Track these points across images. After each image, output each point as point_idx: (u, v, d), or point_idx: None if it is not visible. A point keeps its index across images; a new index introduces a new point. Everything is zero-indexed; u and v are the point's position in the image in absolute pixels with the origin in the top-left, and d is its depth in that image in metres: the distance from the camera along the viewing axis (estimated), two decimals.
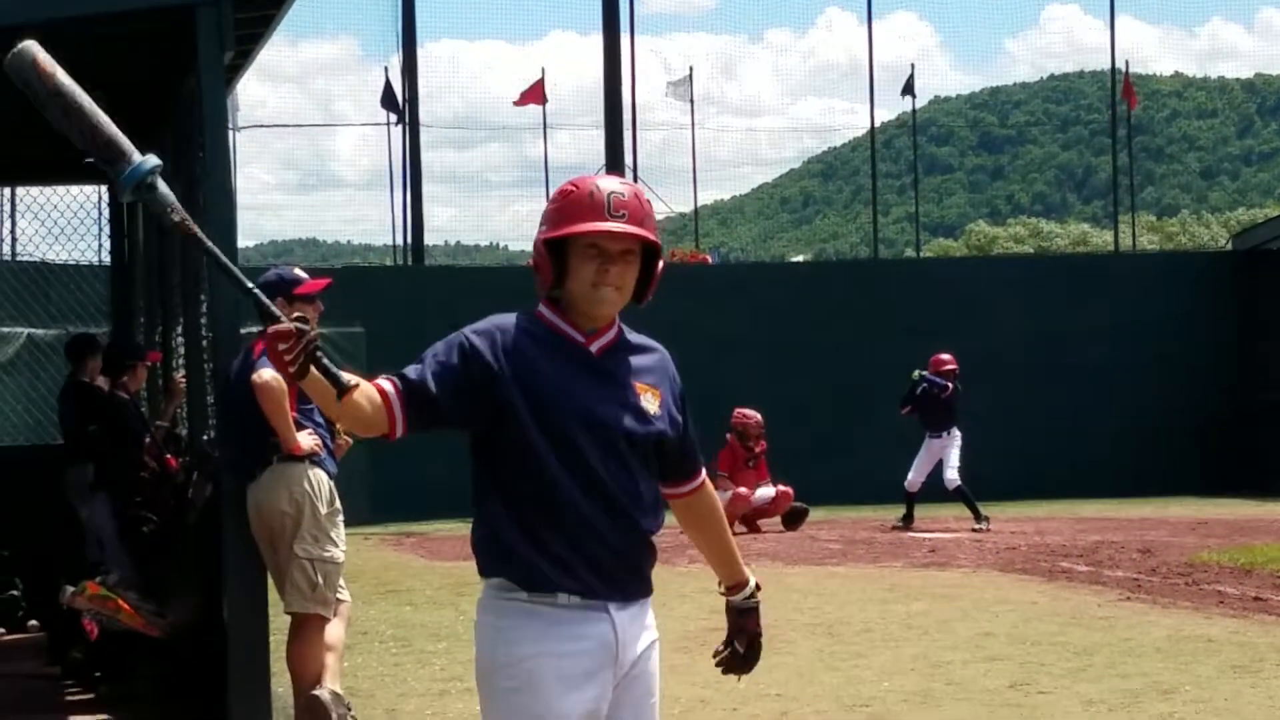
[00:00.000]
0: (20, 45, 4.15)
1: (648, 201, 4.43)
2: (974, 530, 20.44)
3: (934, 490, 21.25)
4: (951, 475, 21.06)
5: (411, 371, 4.24)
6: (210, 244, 4.23)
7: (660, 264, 4.47)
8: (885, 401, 24.11)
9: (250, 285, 4.24)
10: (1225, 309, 26.47)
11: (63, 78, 4.19)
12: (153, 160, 4.21)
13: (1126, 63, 34.86)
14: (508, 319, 4.34)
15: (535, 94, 32.70)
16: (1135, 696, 9.69)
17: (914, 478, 21.41)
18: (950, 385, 21.18)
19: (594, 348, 4.39)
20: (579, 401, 4.28)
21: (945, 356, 21.33)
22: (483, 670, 4.29)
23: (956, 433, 21.29)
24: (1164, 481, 25.04)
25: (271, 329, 4.10)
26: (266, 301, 4.18)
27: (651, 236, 4.36)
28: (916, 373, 21.32)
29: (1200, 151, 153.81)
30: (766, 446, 21.76)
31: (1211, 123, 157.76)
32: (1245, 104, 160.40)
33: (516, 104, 33.22)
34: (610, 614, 4.28)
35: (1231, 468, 25.57)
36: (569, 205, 4.33)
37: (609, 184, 4.38)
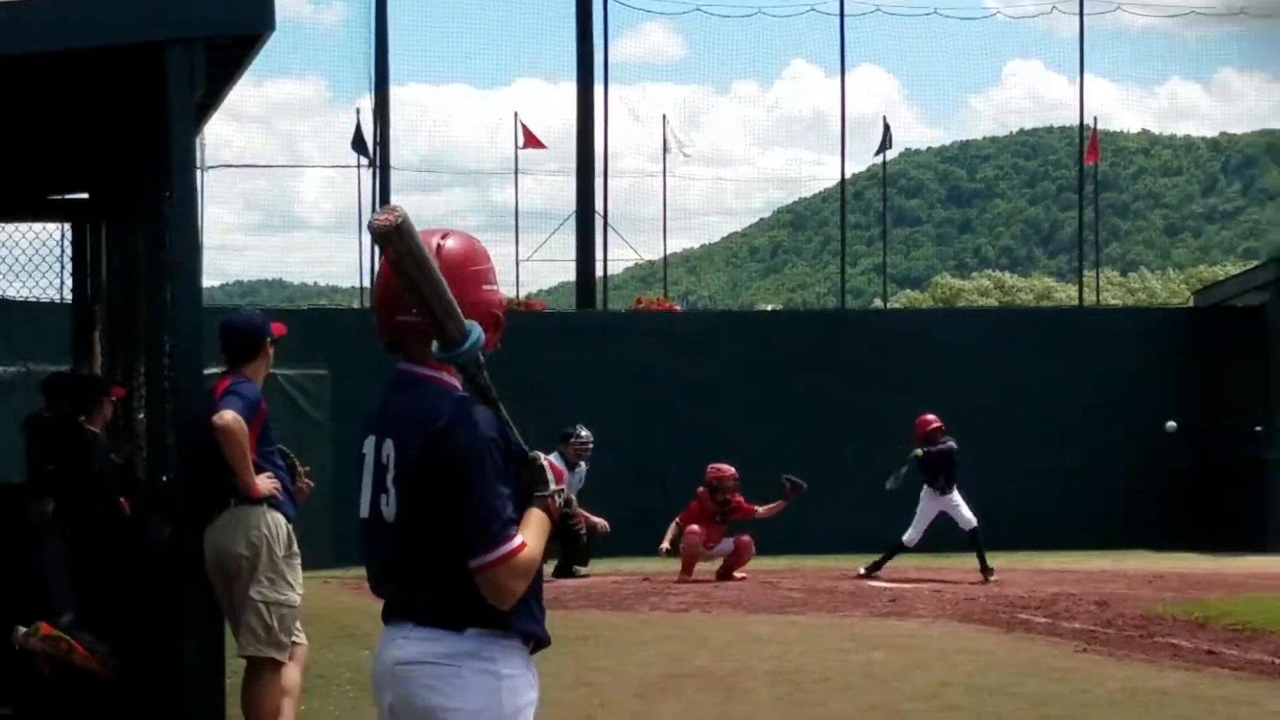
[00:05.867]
0: (392, 216, 4.22)
1: None
2: (985, 583, 20.42)
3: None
4: (970, 515, 21.10)
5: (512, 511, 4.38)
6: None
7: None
8: (852, 451, 24.15)
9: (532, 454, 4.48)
10: (1187, 365, 26.55)
11: (421, 249, 4.25)
12: (478, 328, 4.33)
13: (1095, 119, 35.01)
14: (486, 414, 4.40)
15: (533, 140, 32.77)
16: None
17: (914, 535, 21.17)
18: (951, 443, 21.16)
19: None
20: None
21: (930, 417, 21.30)
22: None
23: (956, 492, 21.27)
24: (1122, 535, 25.10)
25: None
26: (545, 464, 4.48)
27: None
28: (917, 451, 21.13)
29: (1165, 209, 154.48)
30: (741, 503, 21.63)
31: (1176, 180, 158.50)
32: (1210, 162, 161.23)
33: (524, 147, 33.19)
34: None
35: (1189, 522, 25.62)
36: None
37: None
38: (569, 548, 4.46)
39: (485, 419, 4.34)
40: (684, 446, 23.43)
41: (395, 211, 4.21)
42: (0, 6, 8.36)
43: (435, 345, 4.31)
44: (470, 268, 4.47)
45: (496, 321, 4.50)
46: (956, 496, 21.20)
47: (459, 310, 4.27)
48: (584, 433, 21.37)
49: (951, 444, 21.16)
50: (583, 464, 21.48)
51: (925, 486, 21.35)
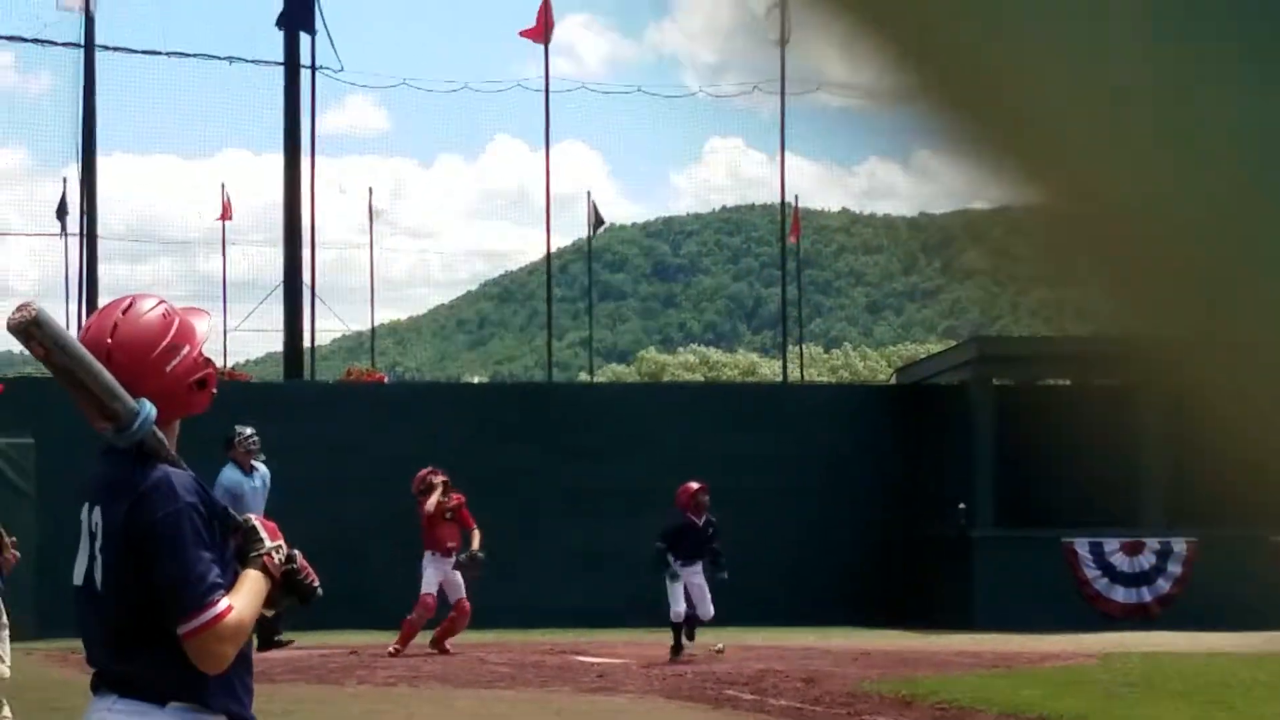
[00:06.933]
0: (26, 311, 4.25)
1: None
2: (719, 651, 20.57)
3: (602, 615, 21.35)
4: (709, 607, 20.82)
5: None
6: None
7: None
8: (557, 525, 24.32)
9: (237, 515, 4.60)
10: (888, 441, 27.02)
11: (66, 338, 4.30)
12: (149, 405, 4.36)
13: (796, 197, 35.87)
14: (185, 479, 4.48)
15: (226, 210, 32.61)
16: None
17: (681, 609, 20.58)
18: (706, 517, 20.98)
19: None
20: None
21: (694, 485, 21.13)
22: None
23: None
24: (828, 612, 25.30)
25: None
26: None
27: None
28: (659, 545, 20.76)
29: (867, 286, 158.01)
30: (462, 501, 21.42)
31: (877, 258, 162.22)
32: (909, 240, 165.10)
33: (220, 219, 33.01)
34: None
35: (895, 599, 25.96)
36: (181, 315, 4.65)
37: None
38: (304, 599, 4.52)
39: (184, 484, 4.41)
40: (391, 519, 23.38)
41: (29, 307, 4.29)
42: None
43: (108, 428, 4.38)
44: (152, 348, 4.50)
45: (194, 385, 4.55)
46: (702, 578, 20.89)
47: (122, 391, 4.33)
48: (246, 430, 20.59)
49: (706, 516, 20.97)
50: (260, 466, 20.82)
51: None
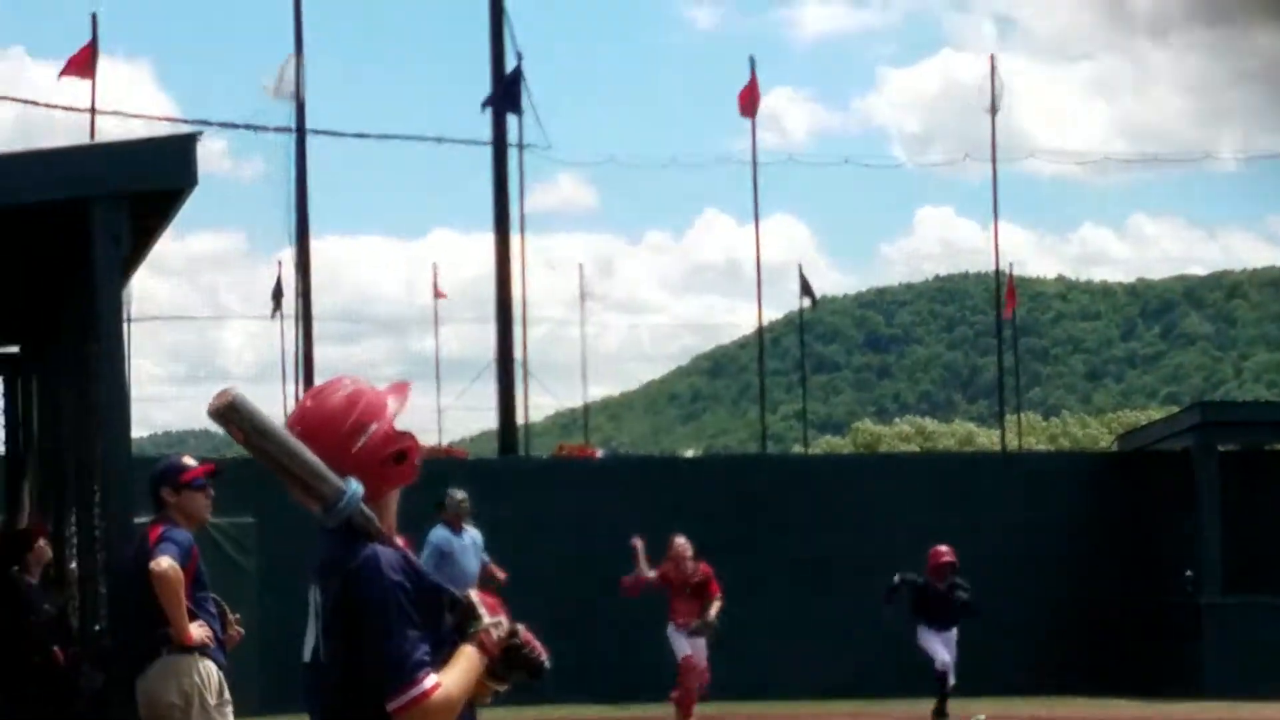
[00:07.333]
0: (224, 396, 4.32)
1: None
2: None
3: (825, 685, 21.08)
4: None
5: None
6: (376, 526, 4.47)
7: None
8: (774, 597, 24.14)
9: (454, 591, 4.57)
10: (1113, 508, 26.59)
11: (264, 421, 4.36)
12: (354, 484, 4.41)
13: (1010, 265, 35.49)
14: (394, 557, 4.48)
15: (438, 290, 33.09)
16: None
17: (945, 658, 20.64)
18: (951, 580, 20.74)
19: None
20: None
21: (942, 549, 20.96)
22: None
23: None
24: (1053, 681, 24.99)
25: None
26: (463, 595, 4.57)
27: None
28: (915, 577, 20.78)
29: (1085, 353, 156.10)
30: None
31: (1095, 325, 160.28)
32: (1128, 307, 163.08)
33: (431, 298, 33.51)
34: None
35: (1122, 667, 25.53)
36: (368, 391, 4.62)
37: None
38: (532, 673, 4.53)
39: (391, 562, 4.40)
40: (606, 592, 23.38)
41: (227, 393, 4.33)
42: None
43: (317, 508, 4.42)
44: (338, 429, 4.51)
45: (390, 459, 4.53)
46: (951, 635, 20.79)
47: (327, 471, 4.37)
48: (458, 494, 20.59)
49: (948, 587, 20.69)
50: (471, 527, 20.73)
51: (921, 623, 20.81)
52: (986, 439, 70.79)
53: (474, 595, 4.59)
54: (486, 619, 4.53)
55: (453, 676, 4.40)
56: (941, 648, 20.60)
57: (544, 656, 4.60)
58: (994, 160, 32.28)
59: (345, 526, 4.43)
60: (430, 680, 4.32)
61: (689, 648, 20.46)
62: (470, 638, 4.49)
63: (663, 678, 21.04)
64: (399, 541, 4.54)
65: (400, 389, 4.72)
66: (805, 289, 34.40)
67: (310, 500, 4.41)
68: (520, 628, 4.60)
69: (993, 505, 26.46)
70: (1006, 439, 34.78)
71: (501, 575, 19.62)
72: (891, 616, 21.09)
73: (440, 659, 4.41)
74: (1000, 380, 35.23)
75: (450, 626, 4.51)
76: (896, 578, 20.74)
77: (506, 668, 4.55)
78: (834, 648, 24.15)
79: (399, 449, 4.57)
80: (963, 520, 26.04)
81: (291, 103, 30.22)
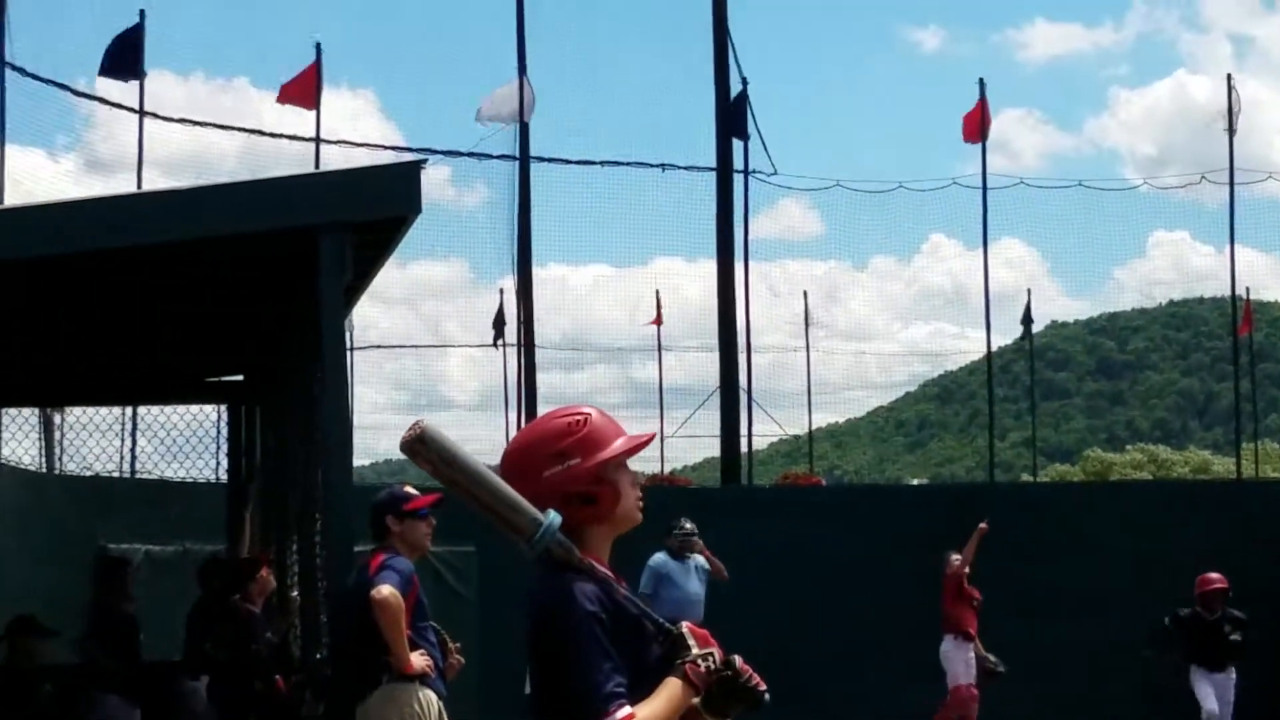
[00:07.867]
0: (414, 428, 4.33)
1: None
2: None
3: None
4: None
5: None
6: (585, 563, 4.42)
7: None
8: (1005, 627, 23.76)
9: (662, 622, 4.50)
10: None
11: (454, 452, 4.35)
12: (553, 514, 4.37)
13: (1247, 289, 34.69)
14: (589, 589, 4.41)
15: (658, 317, 33.18)
16: None
17: (1212, 707, 18.89)
18: (1224, 612, 19.33)
19: None
20: None
21: (1213, 575, 19.68)
22: None
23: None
24: None
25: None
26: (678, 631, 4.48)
27: None
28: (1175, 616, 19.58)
29: None
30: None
31: None
32: None
33: (653, 323, 33.65)
34: None
35: None
36: (596, 430, 4.52)
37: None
38: (751, 704, 4.46)
39: (587, 594, 4.36)
40: (834, 622, 23.20)
41: (418, 425, 4.32)
42: (164, 194, 8.56)
43: (517, 540, 4.37)
44: (543, 449, 4.49)
45: (575, 498, 4.47)
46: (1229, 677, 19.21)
47: (523, 502, 4.34)
48: (686, 525, 20.73)
49: (1220, 619, 19.34)
50: (695, 556, 20.74)
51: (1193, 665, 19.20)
52: (1222, 467, 69.29)
53: (685, 626, 4.50)
54: (695, 650, 4.44)
55: (652, 708, 4.33)
56: (1211, 694, 18.95)
57: (763, 687, 4.50)
58: (1231, 182, 31.58)
59: (546, 558, 4.37)
60: (623, 712, 4.25)
61: (970, 676, 20.10)
62: (676, 669, 4.41)
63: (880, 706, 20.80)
64: (607, 573, 4.46)
65: (638, 439, 4.62)
66: (1026, 316, 34.02)
67: (510, 532, 4.36)
68: (737, 658, 4.50)
69: (1230, 535, 25.77)
70: (1243, 467, 34.03)
71: (724, 572, 19.73)
72: (1158, 660, 19.96)
73: (646, 690, 4.33)
74: (1237, 406, 34.49)
75: (658, 657, 4.43)
76: (1167, 620, 19.38)
77: (725, 699, 4.45)
78: (1063, 681, 23.68)
79: (586, 491, 4.49)
80: (1198, 551, 25.38)
81: (505, 129, 30.39)
